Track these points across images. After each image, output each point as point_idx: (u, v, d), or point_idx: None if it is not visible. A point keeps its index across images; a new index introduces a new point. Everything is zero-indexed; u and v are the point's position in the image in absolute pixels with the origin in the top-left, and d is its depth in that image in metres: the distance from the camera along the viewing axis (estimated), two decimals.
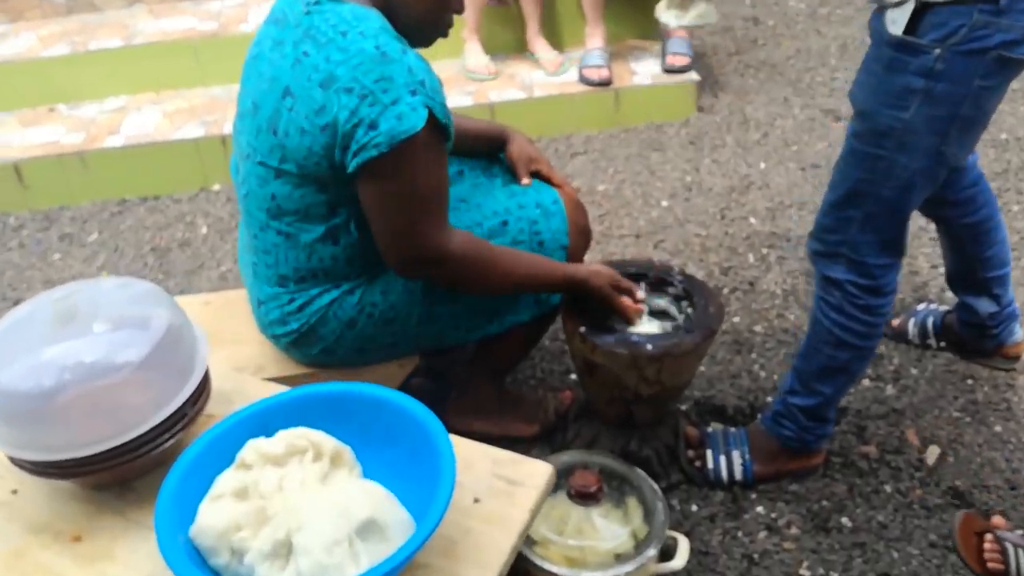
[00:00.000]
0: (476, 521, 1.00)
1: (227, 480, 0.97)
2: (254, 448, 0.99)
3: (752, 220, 2.54)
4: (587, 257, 2.43)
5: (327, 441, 1.00)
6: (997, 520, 1.58)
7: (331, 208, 1.41)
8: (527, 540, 1.47)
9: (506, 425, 1.81)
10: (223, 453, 1.00)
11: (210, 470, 0.99)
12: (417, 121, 1.27)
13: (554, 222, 1.59)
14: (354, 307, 1.50)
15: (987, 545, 1.51)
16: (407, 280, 1.48)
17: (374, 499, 0.94)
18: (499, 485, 1.04)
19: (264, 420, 1.04)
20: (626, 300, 1.57)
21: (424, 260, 1.38)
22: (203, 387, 1.11)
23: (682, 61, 3.05)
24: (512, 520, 0.99)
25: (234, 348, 1.65)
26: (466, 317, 1.58)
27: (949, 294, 2.19)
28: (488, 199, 1.62)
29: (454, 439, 1.04)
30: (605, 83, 3.00)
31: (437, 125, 1.32)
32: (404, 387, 1.96)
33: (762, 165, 2.79)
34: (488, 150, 1.77)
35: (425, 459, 0.98)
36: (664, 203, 2.64)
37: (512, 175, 1.74)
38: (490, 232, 1.54)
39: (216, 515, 0.92)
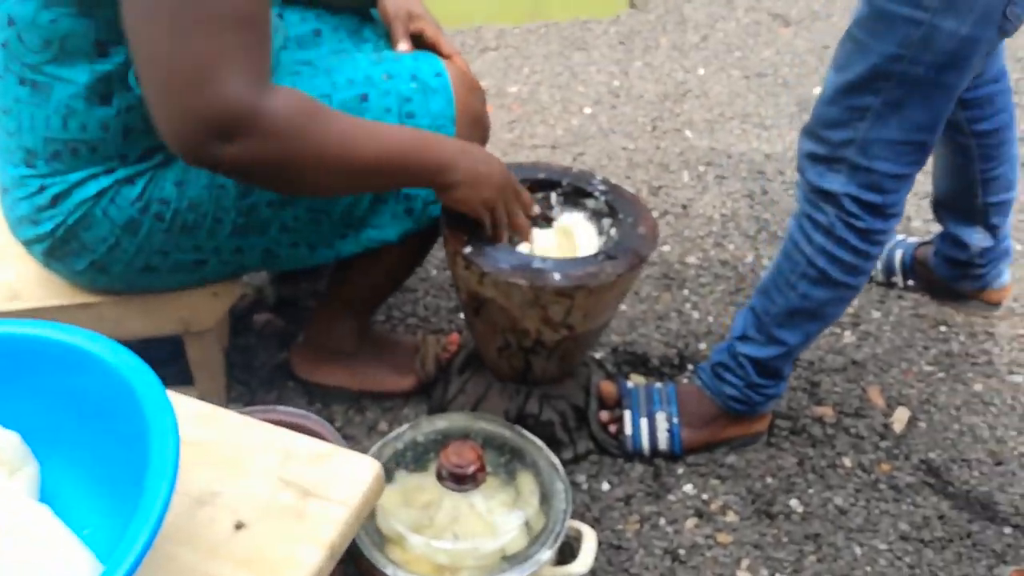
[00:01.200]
0: (233, 565, 0.58)
1: None
2: None
3: (688, 133, 2.16)
4: None
5: None
6: None
7: (99, 45, 0.95)
8: (375, 538, 1.07)
9: (370, 377, 1.40)
10: None
11: None
12: None
13: (435, 102, 1.14)
14: (134, 203, 1.04)
15: None
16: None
17: (33, 540, 0.51)
18: (285, 499, 0.62)
19: None
20: (512, 206, 1.14)
21: (220, 123, 0.86)
22: None
23: None
24: (299, 563, 0.58)
25: None
26: (306, 227, 1.13)
27: (916, 224, 1.86)
28: (346, 63, 1.16)
29: (210, 413, 0.63)
30: None
31: None
32: (239, 324, 1.53)
33: (700, 71, 2.41)
34: (358, 2, 1.30)
35: (138, 453, 0.56)
36: (587, 110, 2.24)
37: (389, 39, 1.28)
38: (342, 108, 1.08)
39: None
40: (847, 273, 1.16)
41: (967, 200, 1.45)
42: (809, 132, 1.14)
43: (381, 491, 0.66)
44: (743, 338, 1.27)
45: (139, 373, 0.58)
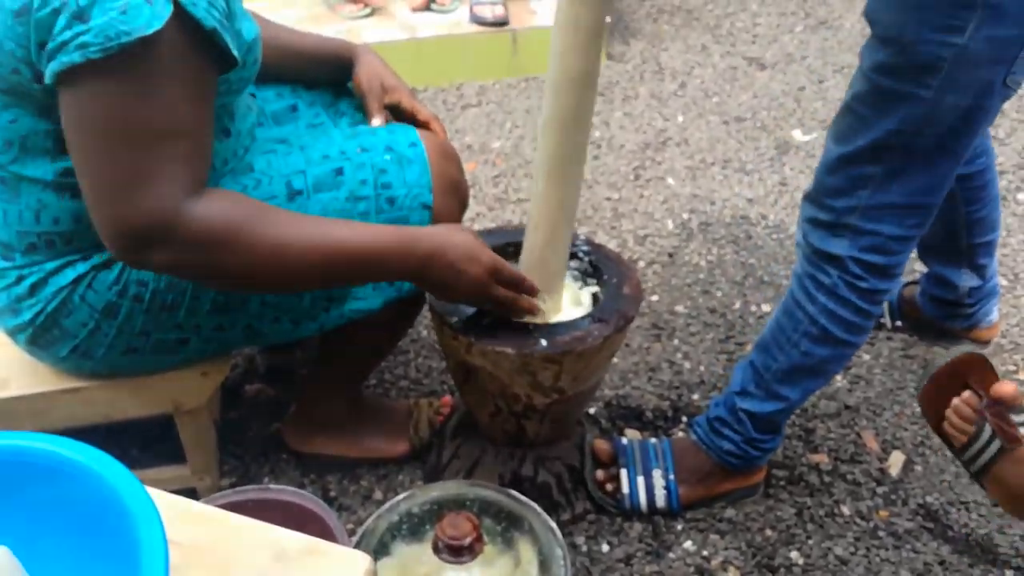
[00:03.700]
0: None
1: None
2: None
3: (670, 181, 2.18)
4: (477, 225, 2.04)
5: None
6: (1004, 388, 1.06)
7: (59, 142, 0.96)
8: None
9: (363, 444, 1.39)
10: None
11: None
12: (152, 18, 0.83)
13: (411, 172, 1.15)
14: (112, 287, 1.05)
15: (959, 405, 1.08)
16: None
17: None
18: None
19: None
20: (506, 292, 1.09)
21: (140, 231, 0.89)
22: None
23: None
24: None
25: None
26: (288, 302, 1.14)
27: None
28: (321, 139, 1.17)
29: (199, 512, 0.63)
30: (501, 23, 2.59)
31: (194, 29, 0.87)
32: (230, 395, 1.52)
33: (680, 118, 2.44)
34: (333, 75, 1.32)
35: (128, 565, 0.55)
36: None
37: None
38: (317, 184, 1.10)
39: None
40: (849, 332, 1.17)
41: (952, 242, 1.47)
42: (811, 199, 1.15)
43: None
44: (743, 393, 1.27)
45: (125, 482, 0.58)
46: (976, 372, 1.11)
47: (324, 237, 0.98)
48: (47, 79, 0.86)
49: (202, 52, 0.90)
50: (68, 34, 0.83)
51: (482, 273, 1.05)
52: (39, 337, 1.08)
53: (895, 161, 1.05)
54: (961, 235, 1.45)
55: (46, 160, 0.97)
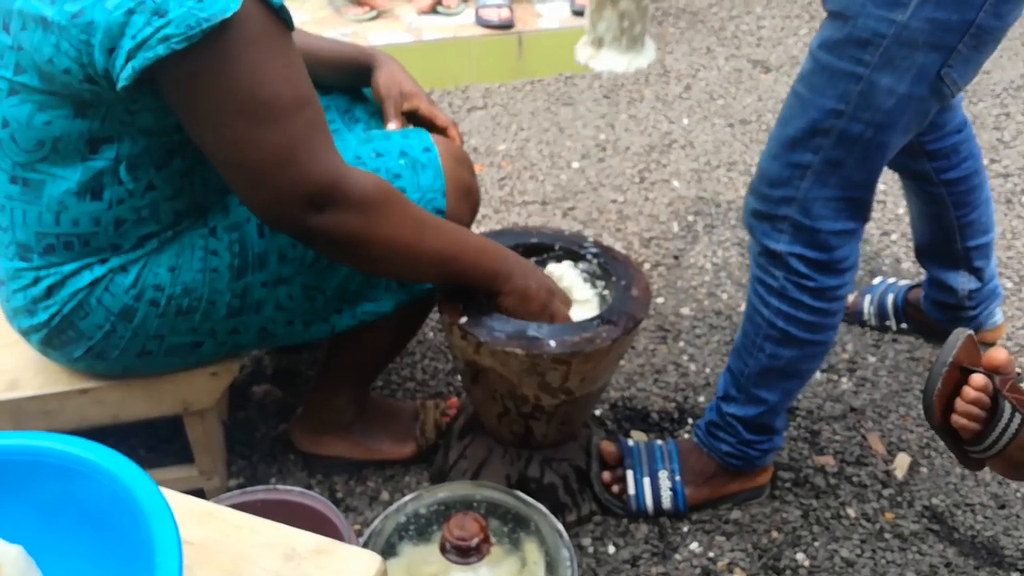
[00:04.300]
0: None
1: None
2: None
3: (675, 183, 2.19)
4: (483, 227, 2.04)
5: None
6: (998, 356, 0.95)
7: (92, 144, 0.97)
8: None
9: (370, 446, 1.40)
10: None
11: None
12: (229, 1, 0.85)
13: (425, 177, 1.16)
14: (129, 290, 1.05)
15: (970, 391, 0.95)
16: (276, 231, 1.06)
17: None
18: None
19: None
20: (562, 308, 1.20)
21: (312, 194, 0.94)
22: None
23: None
24: None
25: None
26: (301, 305, 1.14)
27: (907, 265, 1.88)
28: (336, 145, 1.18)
29: (210, 512, 0.63)
30: (506, 26, 2.60)
31: (267, 5, 0.89)
32: (238, 396, 1.53)
33: (685, 121, 2.45)
34: (349, 81, 1.33)
35: (142, 563, 0.56)
36: (575, 165, 2.27)
37: (380, 117, 1.31)
38: None
39: None
40: (810, 331, 1.17)
41: (946, 246, 1.47)
42: (753, 189, 1.15)
43: None
44: (726, 398, 1.27)
45: (139, 481, 0.59)
46: (970, 355, 1.07)
47: (443, 224, 1.07)
48: (123, 80, 0.87)
49: (280, 25, 0.91)
50: (148, 30, 0.84)
51: (544, 298, 1.17)
52: (54, 338, 1.08)
53: (831, 151, 1.06)
54: (955, 239, 1.46)
55: (76, 161, 0.98)
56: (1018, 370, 1.61)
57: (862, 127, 1.04)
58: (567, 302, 1.22)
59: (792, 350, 1.19)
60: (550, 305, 1.18)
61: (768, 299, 1.16)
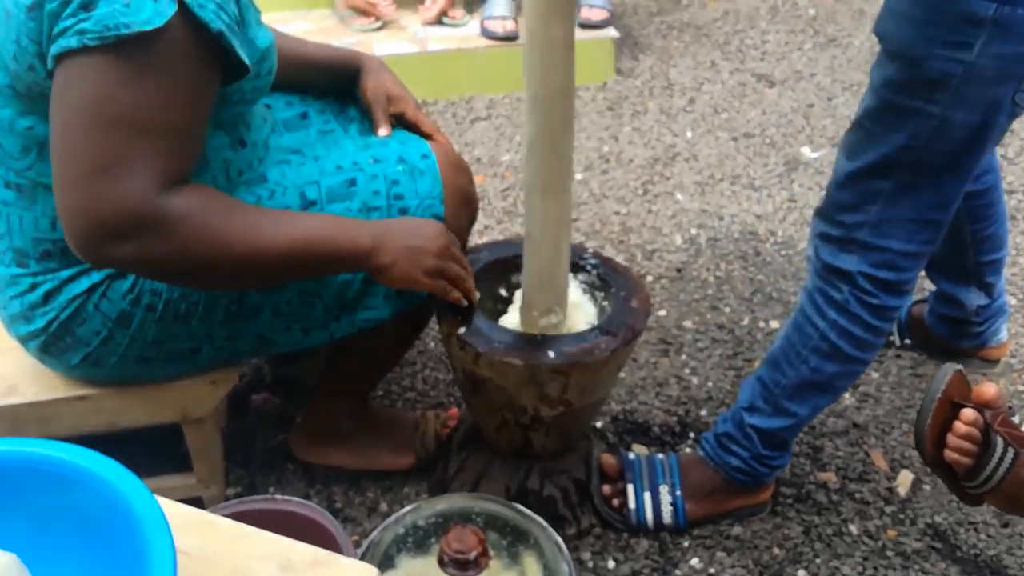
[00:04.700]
0: None
1: None
2: None
3: (679, 196, 2.18)
4: (485, 237, 2.04)
5: None
6: (987, 391, 0.97)
7: None
8: None
9: (370, 456, 1.39)
10: None
11: None
12: (154, 15, 0.85)
13: (423, 183, 1.16)
14: (126, 296, 1.05)
15: (960, 426, 0.95)
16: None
17: None
18: None
19: None
20: (459, 269, 1.10)
21: (112, 221, 0.87)
22: None
23: (599, 15, 2.67)
24: None
25: None
26: (299, 311, 1.14)
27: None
28: (334, 150, 1.18)
29: (207, 521, 0.62)
30: (511, 37, 2.60)
31: (200, 30, 0.88)
32: (236, 404, 1.52)
33: (689, 134, 2.45)
34: (340, 85, 1.33)
35: (136, 572, 0.55)
36: (578, 176, 2.27)
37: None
38: (330, 194, 1.11)
39: None
40: (859, 348, 1.16)
41: (959, 260, 1.46)
42: (822, 215, 1.15)
43: None
44: (751, 408, 1.26)
45: (135, 490, 0.58)
46: (960, 390, 1.07)
47: (289, 221, 0.98)
48: (49, 65, 0.87)
49: (206, 55, 0.90)
50: (71, 21, 0.84)
51: (436, 246, 1.05)
52: (51, 345, 1.08)
53: (905, 176, 1.06)
54: (968, 253, 1.45)
55: None
56: (1010, 404, 1.59)
57: (936, 156, 1.04)
58: (462, 259, 1.12)
59: (836, 365, 1.19)
60: (444, 268, 1.06)
61: (827, 311, 1.16)
